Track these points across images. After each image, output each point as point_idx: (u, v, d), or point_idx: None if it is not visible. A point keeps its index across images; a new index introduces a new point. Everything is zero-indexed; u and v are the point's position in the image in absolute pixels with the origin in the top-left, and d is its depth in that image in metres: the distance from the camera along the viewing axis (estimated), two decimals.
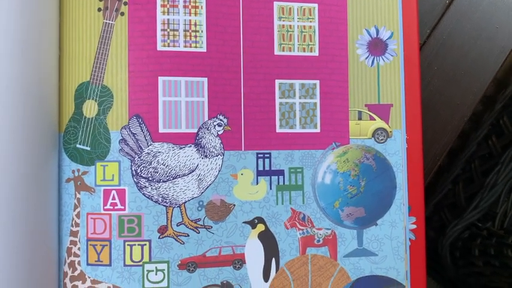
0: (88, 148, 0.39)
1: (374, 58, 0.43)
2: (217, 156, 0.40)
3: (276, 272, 0.41)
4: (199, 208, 0.40)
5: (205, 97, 0.40)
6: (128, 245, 0.39)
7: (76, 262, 0.39)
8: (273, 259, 0.41)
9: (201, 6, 0.40)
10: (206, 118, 0.40)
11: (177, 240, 0.39)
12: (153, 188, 0.39)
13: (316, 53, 0.42)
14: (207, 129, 0.40)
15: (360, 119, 0.42)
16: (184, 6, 0.40)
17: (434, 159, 0.50)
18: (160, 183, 0.39)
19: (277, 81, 0.41)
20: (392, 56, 0.43)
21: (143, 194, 0.39)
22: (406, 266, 0.42)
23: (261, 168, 0.41)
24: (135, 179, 0.39)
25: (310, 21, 0.42)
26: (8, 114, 0.34)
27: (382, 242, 0.42)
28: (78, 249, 0.39)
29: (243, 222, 0.40)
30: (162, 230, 0.39)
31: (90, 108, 0.39)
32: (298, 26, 0.42)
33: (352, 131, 0.42)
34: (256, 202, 0.41)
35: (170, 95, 0.39)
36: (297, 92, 0.42)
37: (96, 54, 0.39)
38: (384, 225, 0.42)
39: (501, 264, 0.51)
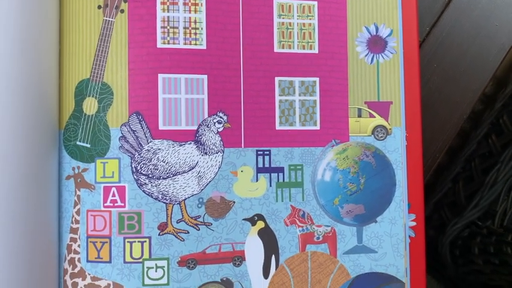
0: (88, 145, 0.39)
1: (373, 55, 0.43)
2: (217, 153, 0.40)
3: (276, 269, 0.41)
4: (199, 205, 0.40)
5: (205, 94, 0.40)
6: (127, 242, 0.39)
7: (76, 259, 0.39)
8: (273, 256, 0.41)
9: (201, 4, 0.40)
10: (206, 115, 0.40)
11: (177, 237, 0.39)
12: (153, 185, 0.39)
13: (316, 51, 0.42)
14: (207, 126, 0.40)
15: (359, 116, 0.42)
16: (184, 4, 0.40)
17: (433, 157, 0.50)
18: (160, 180, 0.39)
19: (277, 79, 0.41)
20: (391, 53, 0.43)
21: (143, 191, 0.39)
22: (405, 263, 0.42)
23: (260, 165, 0.41)
24: (135, 176, 0.39)
25: (310, 19, 0.42)
26: (8, 112, 0.34)
27: (381, 239, 0.42)
28: (78, 246, 0.39)
29: (243, 219, 0.40)
30: (162, 227, 0.39)
31: (90, 106, 0.39)
32: (297, 23, 0.42)
33: (351, 128, 0.42)
34: (256, 199, 0.41)
35: (170, 92, 0.39)
36: (296, 89, 0.42)
37: (96, 52, 0.39)
38: (383, 222, 0.42)
39: (501, 262, 0.51)
